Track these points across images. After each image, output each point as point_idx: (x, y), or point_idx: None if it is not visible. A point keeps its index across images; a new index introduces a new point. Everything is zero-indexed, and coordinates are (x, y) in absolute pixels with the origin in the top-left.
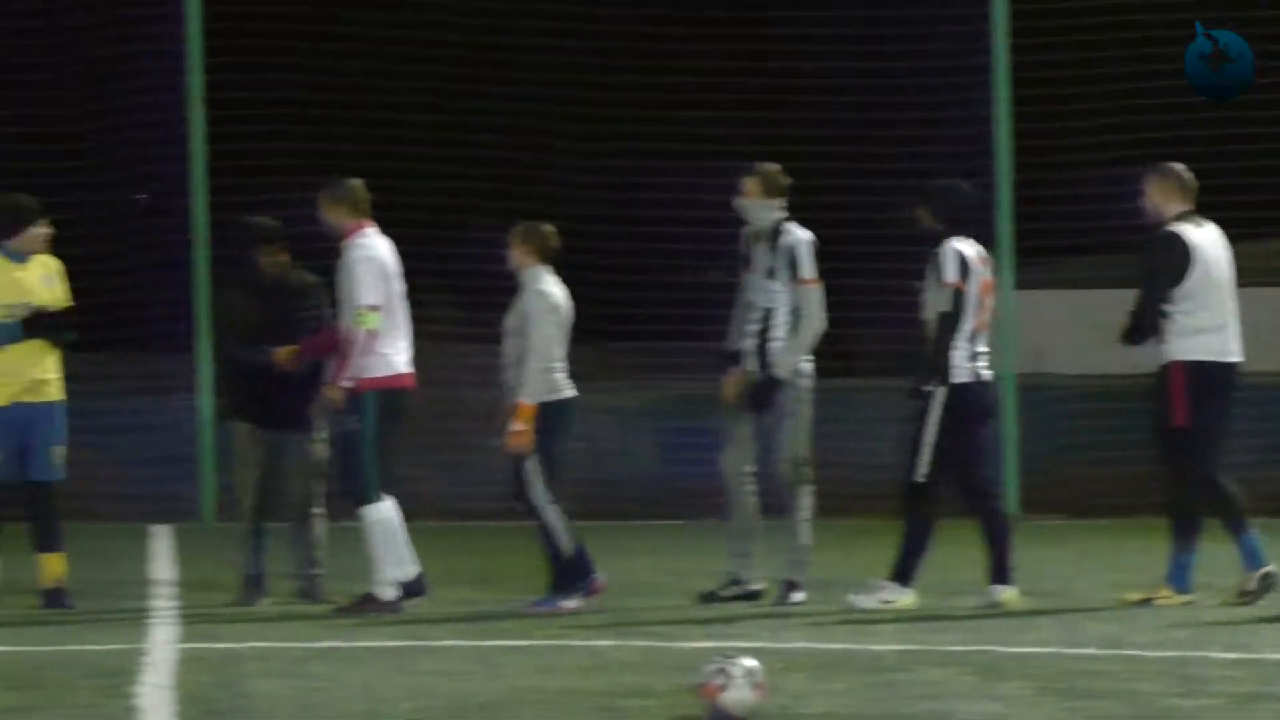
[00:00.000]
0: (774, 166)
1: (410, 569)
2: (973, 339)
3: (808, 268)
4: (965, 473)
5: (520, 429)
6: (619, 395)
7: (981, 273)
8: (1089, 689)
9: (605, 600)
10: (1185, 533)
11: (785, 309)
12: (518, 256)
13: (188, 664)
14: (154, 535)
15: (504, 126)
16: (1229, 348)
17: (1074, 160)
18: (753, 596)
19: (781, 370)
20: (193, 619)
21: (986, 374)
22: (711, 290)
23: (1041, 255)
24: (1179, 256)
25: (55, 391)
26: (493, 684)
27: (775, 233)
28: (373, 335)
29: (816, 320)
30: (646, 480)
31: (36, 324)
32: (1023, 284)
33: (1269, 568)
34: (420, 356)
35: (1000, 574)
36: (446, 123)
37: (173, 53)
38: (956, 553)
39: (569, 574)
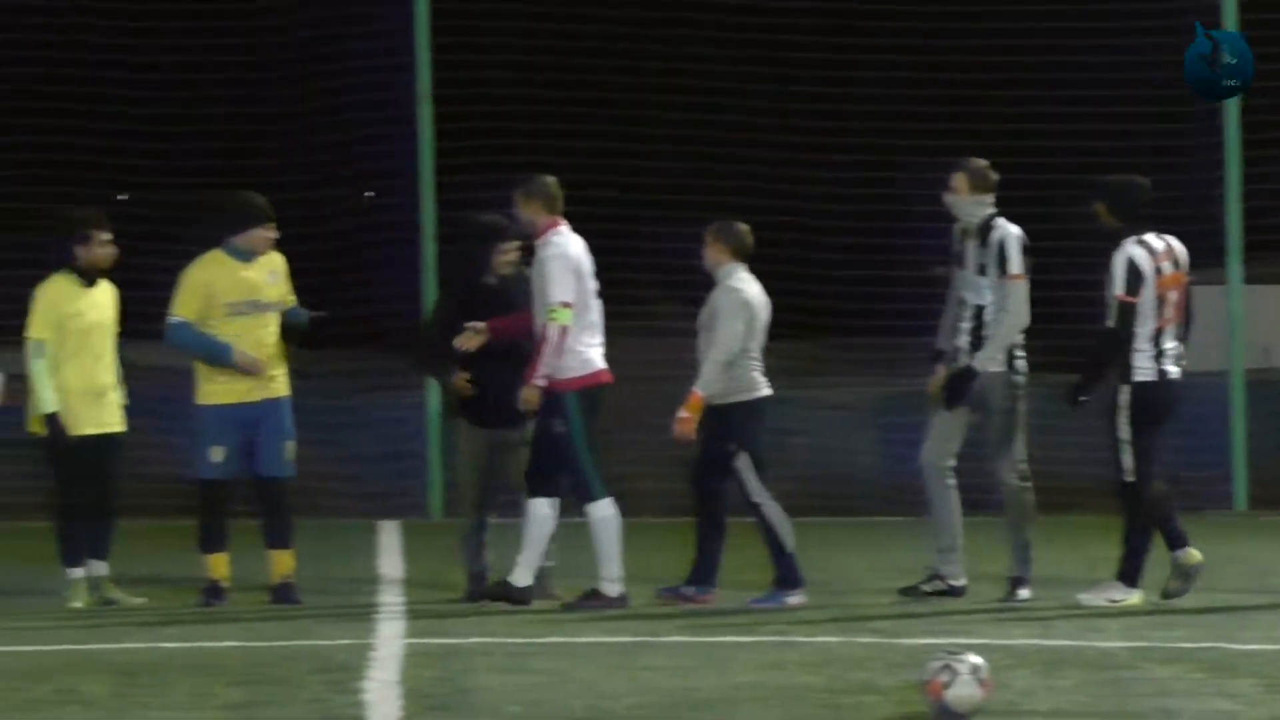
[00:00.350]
0: (982, 162)
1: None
2: (1157, 338)
3: (1015, 263)
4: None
5: (686, 417)
6: (844, 391)
7: (1162, 271)
8: None
9: (832, 596)
10: None
11: (995, 305)
12: (712, 254)
13: (413, 659)
14: (382, 531)
15: (735, 124)
16: None
17: None
18: (954, 593)
19: (981, 365)
20: (419, 614)
21: (1174, 372)
22: (937, 285)
23: (1270, 249)
24: None
25: (283, 387)
26: (716, 680)
27: (985, 229)
28: (565, 332)
29: (1019, 316)
30: (871, 476)
31: (295, 329)
32: (1251, 279)
33: None
34: (641, 352)
35: (1130, 575)
36: (669, 118)
37: (400, 49)
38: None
39: (791, 569)
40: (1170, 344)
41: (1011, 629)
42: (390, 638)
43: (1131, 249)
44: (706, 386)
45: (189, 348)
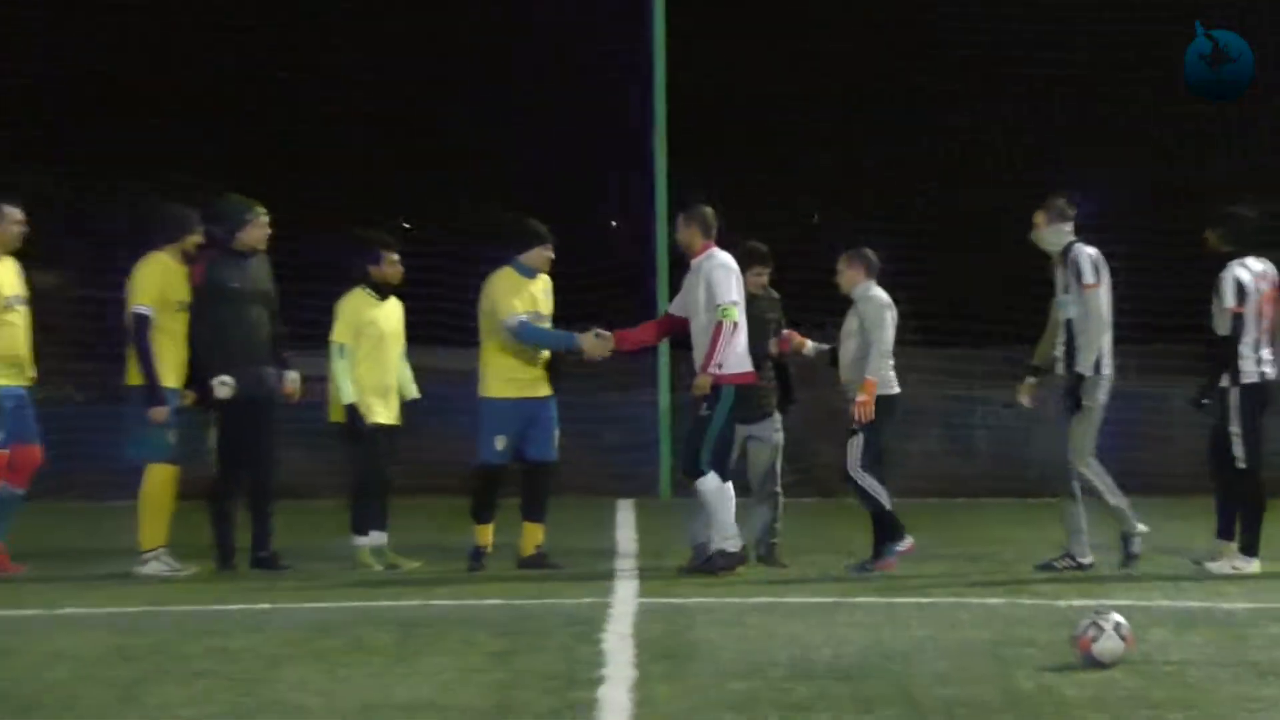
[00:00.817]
0: (1059, 197)
1: (736, 540)
2: (1257, 345)
3: (1087, 273)
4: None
5: (865, 400)
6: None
7: (1261, 290)
8: None
9: (1002, 565)
10: None
11: (1080, 316)
12: (847, 277)
13: (645, 616)
14: (619, 508)
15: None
16: None
17: None
18: (1082, 568)
19: (1081, 368)
20: (650, 578)
21: (1271, 373)
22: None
23: None
24: None
25: (548, 387)
26: (900, 635)
27: (1065, 253)
28: (736, 327)
29: (1096, 321)
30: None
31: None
32: None
33: None
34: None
35: (1249, 547)
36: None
37: (642, 78)
38: None
39: (886, 534)
40: (1265, 351)
41: (1150, 592)
42: (625, 598)
43: (1237, 268)
44: (874, 372)
45: (539, 340)
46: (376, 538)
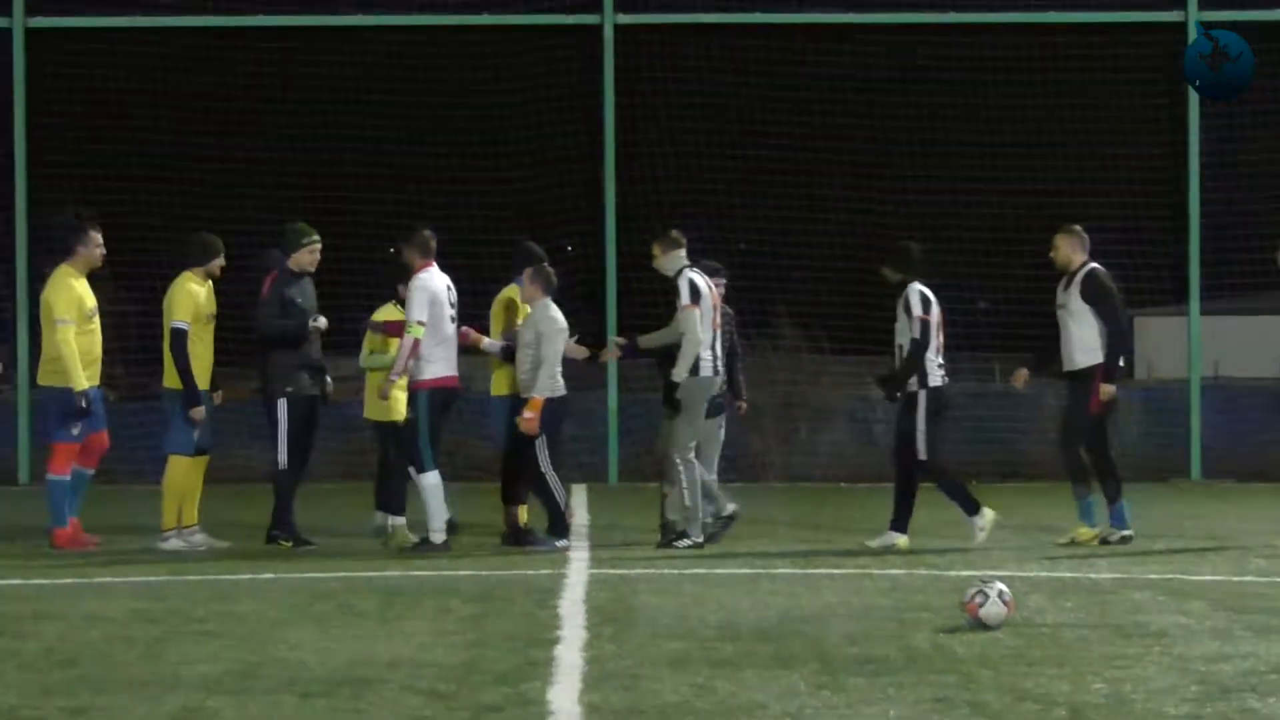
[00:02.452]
0: (672, 229)
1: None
2: (938, 353)
3: (685, 296)
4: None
5: (531, 417)
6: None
7: (937, 309)
8: (1248, 606)
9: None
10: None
11: (686, 332)
12: (528, 291)
13: (595, 585)
14: (574, 492)
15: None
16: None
17: None
18: (699, 546)
19: (675, 375)
20: (599, 553)
21: (946, 380)
22: None
23: (1220, 290)
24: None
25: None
26: (813, 601)
27: (677, 276)
28: (416, 343)
29: (692, 337)
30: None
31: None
32: (1205, 312)
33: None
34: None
35: (899, 522)
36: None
37: (589, 129)
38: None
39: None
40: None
41: (1028, 563)
42: (578, 569)
43: (920, 287)
44: (542, 391)
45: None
46: (396, 520)
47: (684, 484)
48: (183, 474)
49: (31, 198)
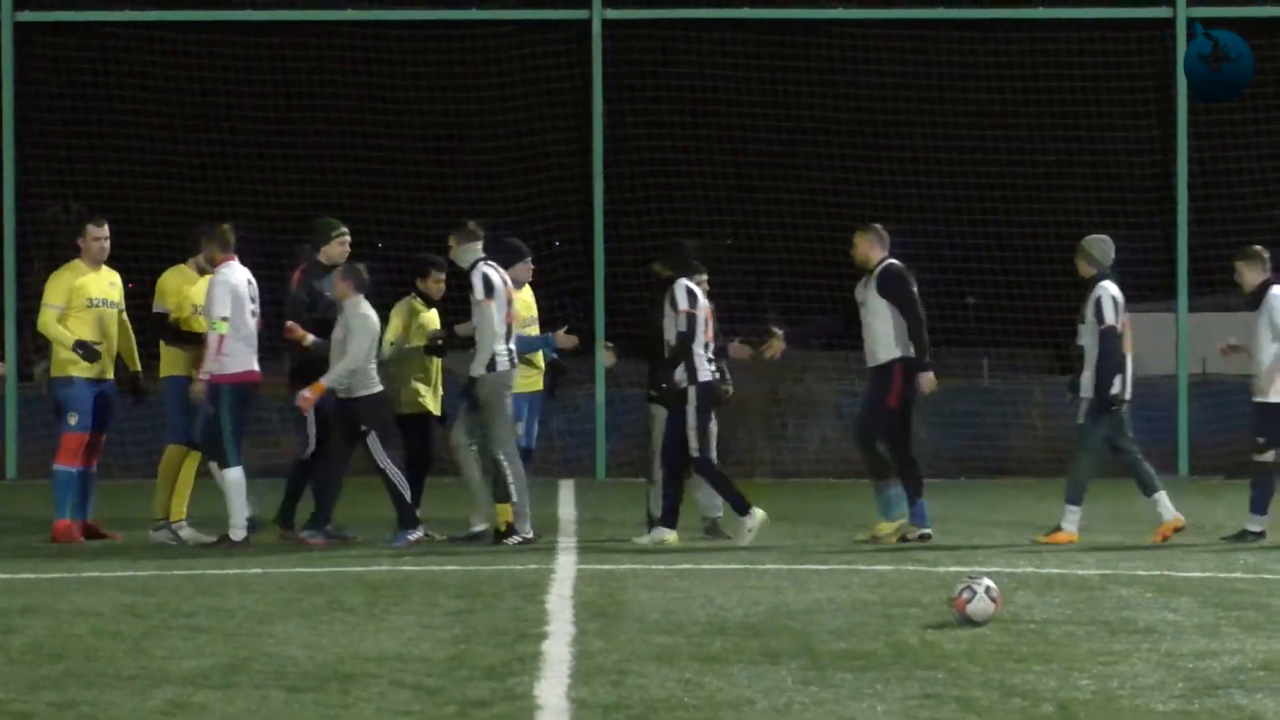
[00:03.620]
0: (469, 220)
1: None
2: (706, 348)
3: (479, 290)
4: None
5: (308, 396)
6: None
7: (705, 303)
8: (1235, 602)
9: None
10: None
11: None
12: (340, 288)
13: (583, 580)
14: (562, 487)
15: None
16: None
17: None
18: (528, 542)
19: (473, 371)
20: (587, 548)
21: (717, 376)
22: None
23: (1208, 287)
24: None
25: (538, 384)
26: (801, 596)
27: (471, 269)
28: (222, 340)
29: (489, 331)
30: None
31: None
32: (1193, 309)
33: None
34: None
35: (667, 518)
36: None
37: (579, 135)
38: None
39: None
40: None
41: (1015, 560)
42: (566, 564)
43: (687, 283)
44: (331, 382)
45: (525, 348)
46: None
47: (509, 479)
48: (176, 461)
49: (19, 191)
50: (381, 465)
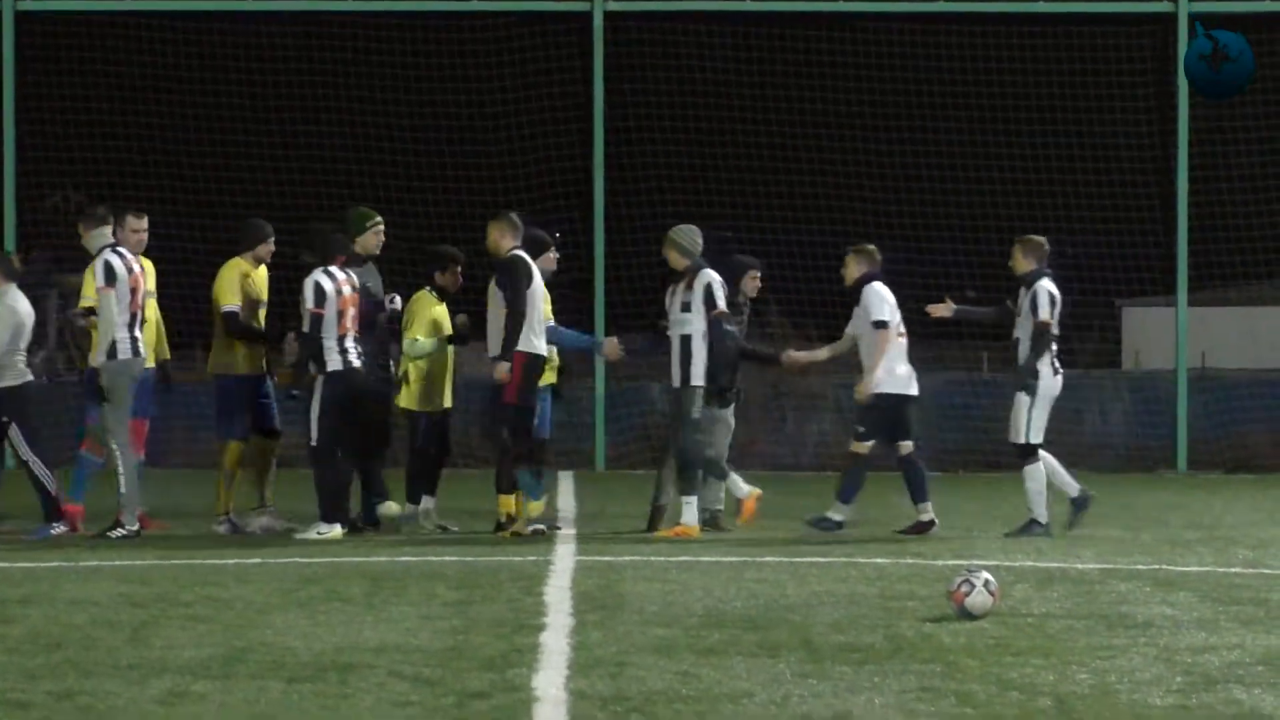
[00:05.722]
0: (99, 205)
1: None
2: (342, 340)
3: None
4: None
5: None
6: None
7: (343, 293)
8: (1234, 597)
9: (887, 530)
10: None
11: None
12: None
13: (581, 571)
14: (561, 479)
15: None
16: None
17: None
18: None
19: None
20: (586, 539)
21: (356, 363)
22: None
23: (1208, 282)
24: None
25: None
26: (800, 589)
27: (97, 255)
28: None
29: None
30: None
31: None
32: (1193, 303)
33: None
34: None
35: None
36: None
37: (582, 122)
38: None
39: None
40: (350, 343)
41: (1014, 554)
42: (565, 556)
43: (319, 276)
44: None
45: (561, 340)
46: (427, 502)
47: (120, 471)
48: (236, 459)
49: (20, 181)
50: (25, 458)
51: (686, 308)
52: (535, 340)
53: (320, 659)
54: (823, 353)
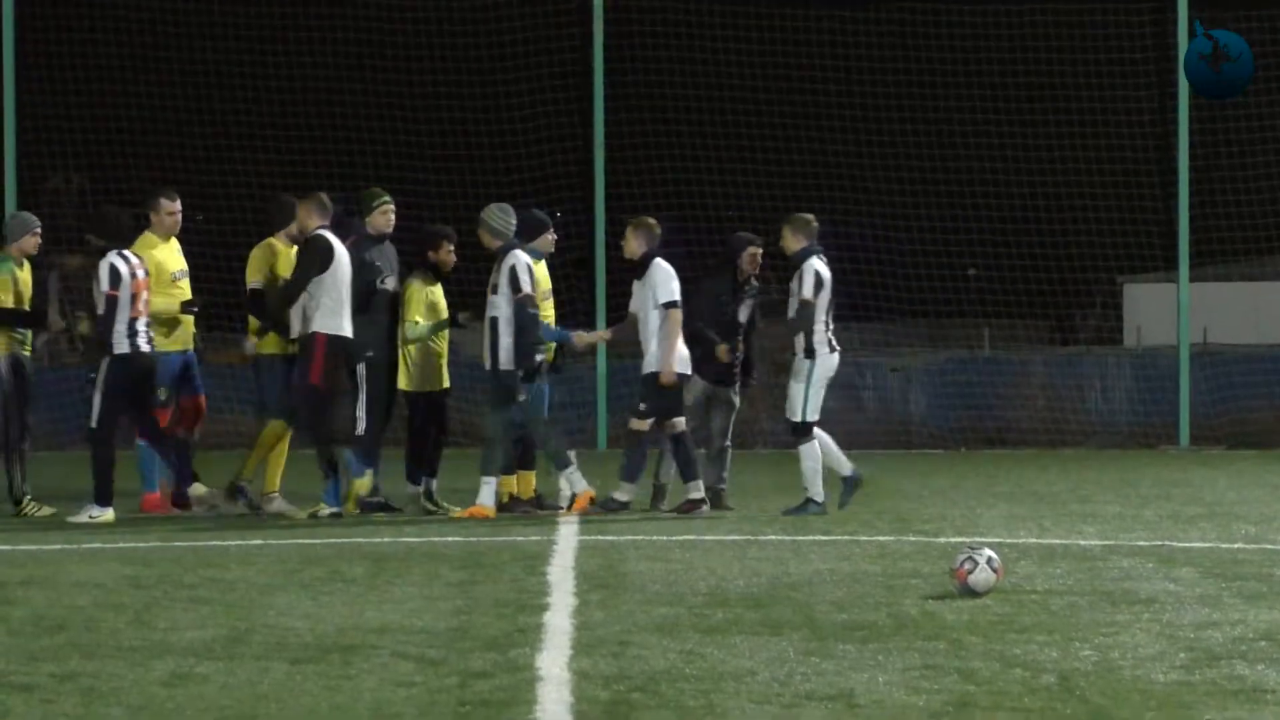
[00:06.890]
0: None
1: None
2: (132, 324)
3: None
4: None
5: None
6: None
7: (138, 276)
8: (1237, 573)
9: (889, 508)
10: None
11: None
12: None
13: (584, 551)
14: None
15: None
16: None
17: None
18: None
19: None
20: (589, 518)
21: (146, 348)
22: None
23: (1209, 258)
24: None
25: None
26: (803, 567)
27: None
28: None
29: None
30: (924, 421)
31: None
32: (1194, 278)
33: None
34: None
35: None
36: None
37: (579, 99)
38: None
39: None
40: (138, 328)
41: (1017, 530)
42: (568, 535)
43: (114, 260)
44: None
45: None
46: (428, 483)
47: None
48: (277, 436)
49: (20, 163)
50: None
51: (495, 289)
52: (340, 322)
53: (323, 640)
54: (608, 334)
